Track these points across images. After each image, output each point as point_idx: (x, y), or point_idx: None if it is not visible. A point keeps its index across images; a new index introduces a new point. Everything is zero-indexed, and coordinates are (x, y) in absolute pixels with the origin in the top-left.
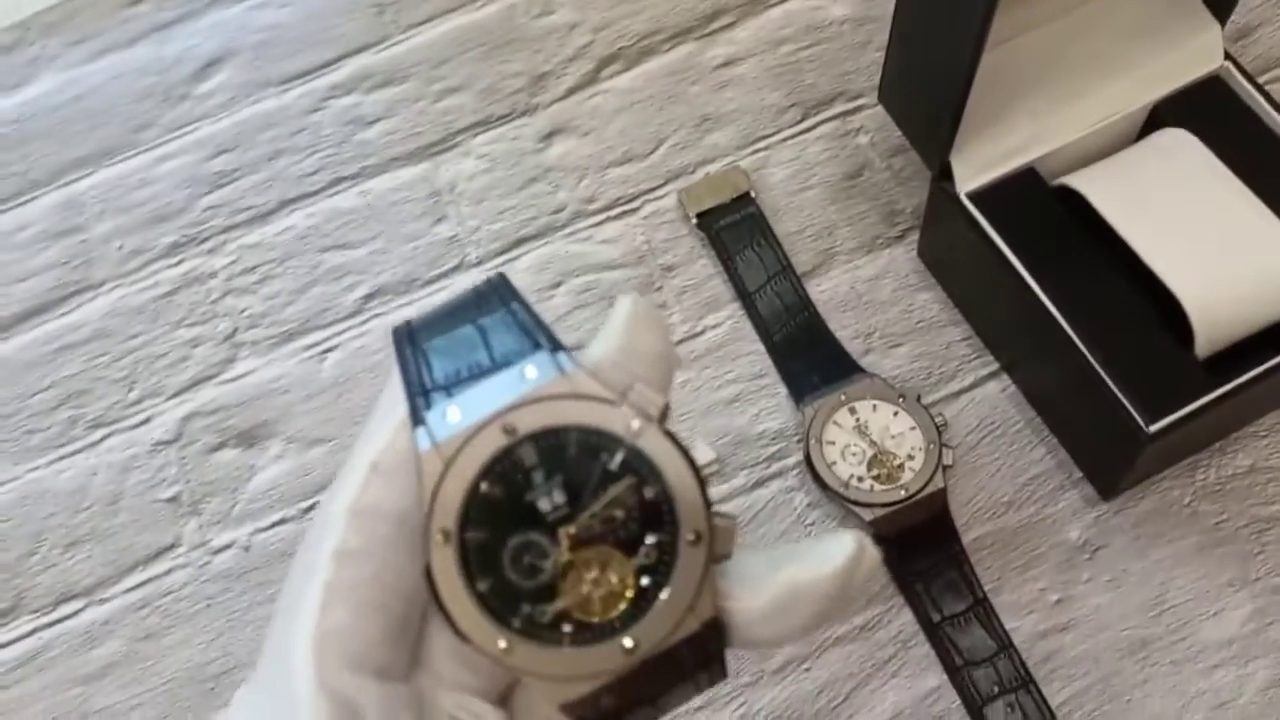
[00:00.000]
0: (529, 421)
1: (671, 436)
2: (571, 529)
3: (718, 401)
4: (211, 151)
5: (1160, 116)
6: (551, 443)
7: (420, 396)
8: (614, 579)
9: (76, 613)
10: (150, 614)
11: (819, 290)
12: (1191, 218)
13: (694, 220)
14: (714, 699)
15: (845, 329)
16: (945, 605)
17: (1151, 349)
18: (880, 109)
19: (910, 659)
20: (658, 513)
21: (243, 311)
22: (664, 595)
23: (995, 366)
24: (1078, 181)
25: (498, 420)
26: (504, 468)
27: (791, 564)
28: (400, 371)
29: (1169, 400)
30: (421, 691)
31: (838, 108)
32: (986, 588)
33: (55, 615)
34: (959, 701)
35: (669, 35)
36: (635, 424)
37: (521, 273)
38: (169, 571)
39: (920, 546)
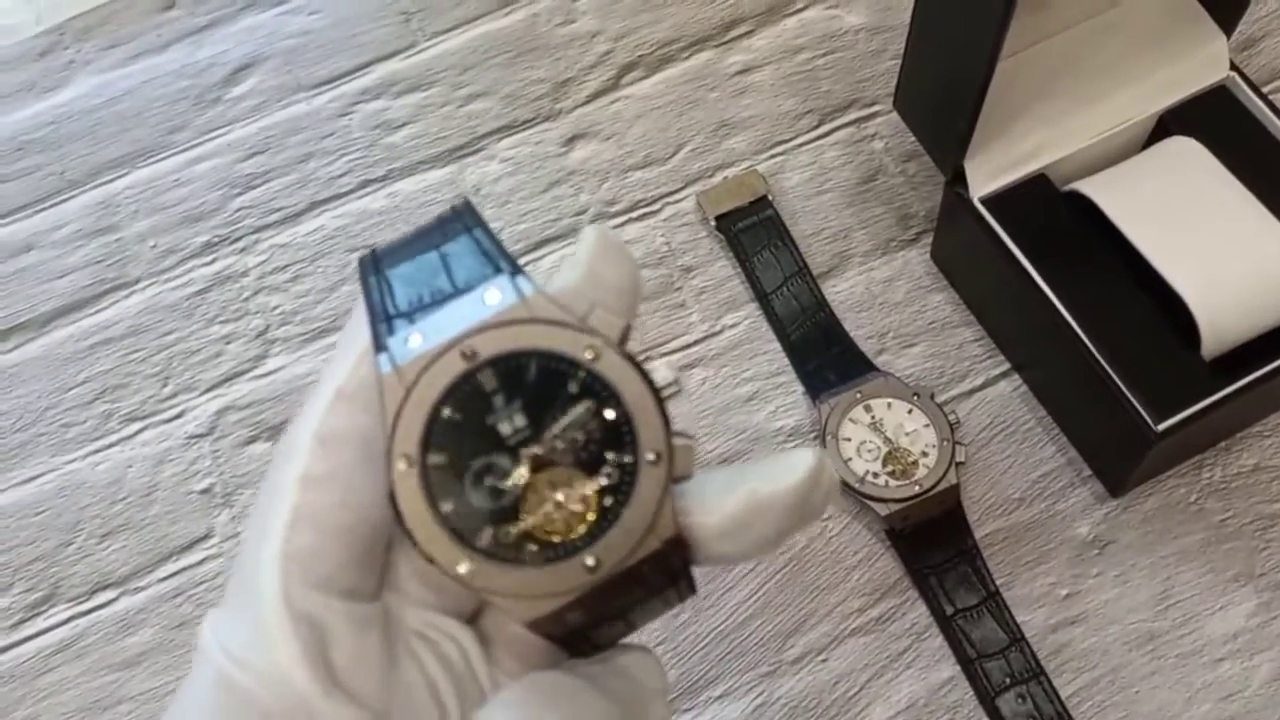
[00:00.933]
0: (489, 346)
1: (630, 359)
2: (533, 451)
3: (736, 399)
4: (243, 154)
5: (1168, 125)
6: (511, 366)
7: (383, 323)
8: (576, 499)
9: (111, 601)
10: (183, 603)
11: (834, 291)
12: (1198, 223)
13: (713, 223)
14: (734, 688)
15: (860, 329)
16: (958, 599)
17: (1159, 350)
18: (894, 115)
19: (924, 651)
20: (618, 434)
21: (274, 309)
22: (625, 514)
23: (1006, 366)
24: (1088, 187)
25: (457, 345)
26: (464, 392)
27: (751, 479)
28: (364, 299)
29: (1176, 400)
30: (389, 611)
31: (853, 114)
32: (998, 582)
33: (91, 604)
34: (972, 692)
35: (688, 43)
36: (594, 347)
37: (546, 272)
38: (202, 561)
39: (934, 541)
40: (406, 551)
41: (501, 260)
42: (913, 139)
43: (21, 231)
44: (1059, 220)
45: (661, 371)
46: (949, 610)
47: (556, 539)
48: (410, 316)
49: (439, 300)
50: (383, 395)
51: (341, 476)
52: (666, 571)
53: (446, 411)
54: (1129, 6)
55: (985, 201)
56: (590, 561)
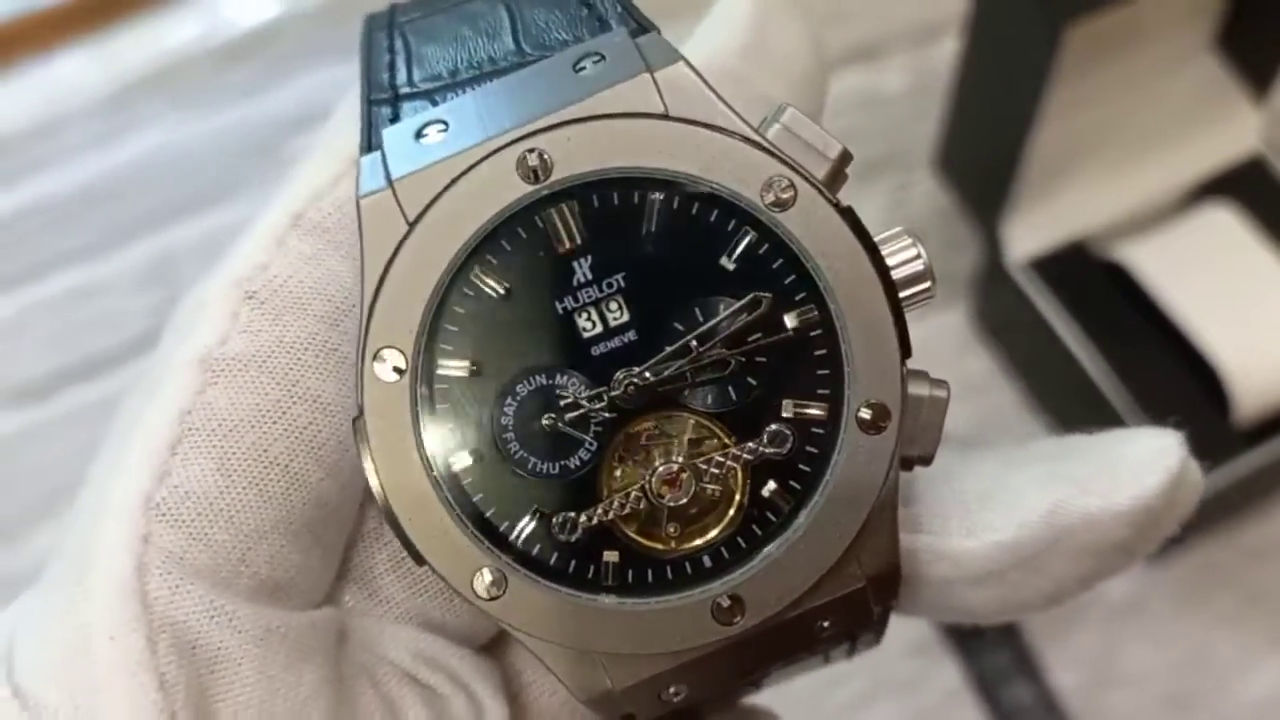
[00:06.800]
0: (573, 156)
1: (848, 214)
2: (638, 375)
3: None
4: None
5: (1204, 192)
6: (616, 204)
7: (384, 104)
8: (710, 478)
9: None
10: None
11: None
12: (1232, 292)
13: None
14: None
15: None
16: (992, 660)
17: (1193, 416)
18: (932, 177)
19: (958, 713)
20: (807, 359)
21: None
22: (803, 519)
23: (1044, 427)
24: (1124, 256)
25: (515, 146)
26: (518, 243)
27: (1060, 485)
28: (361, 66)
29: (1208, 464)
30: (347, 628)
31: (892, 175)
32: (1033, 644)
33: None
34: None
35: None
36: (782, 183)
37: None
38: None
39: None
40: (386, 529)
41: (611, 7)
42: (950, 200)
43: (84, 276)
44: (1096, 287)
45: (905, 249)
46: (983, 672)
47: (665, 547)
48: (431, 96)
49: (486, 72)
50: (362, 232)
51: (275, 371)
52: (856, 619)
53: (480, 277)
54: (1165, 78)
55: (1023, 268)
56: (725, 601)
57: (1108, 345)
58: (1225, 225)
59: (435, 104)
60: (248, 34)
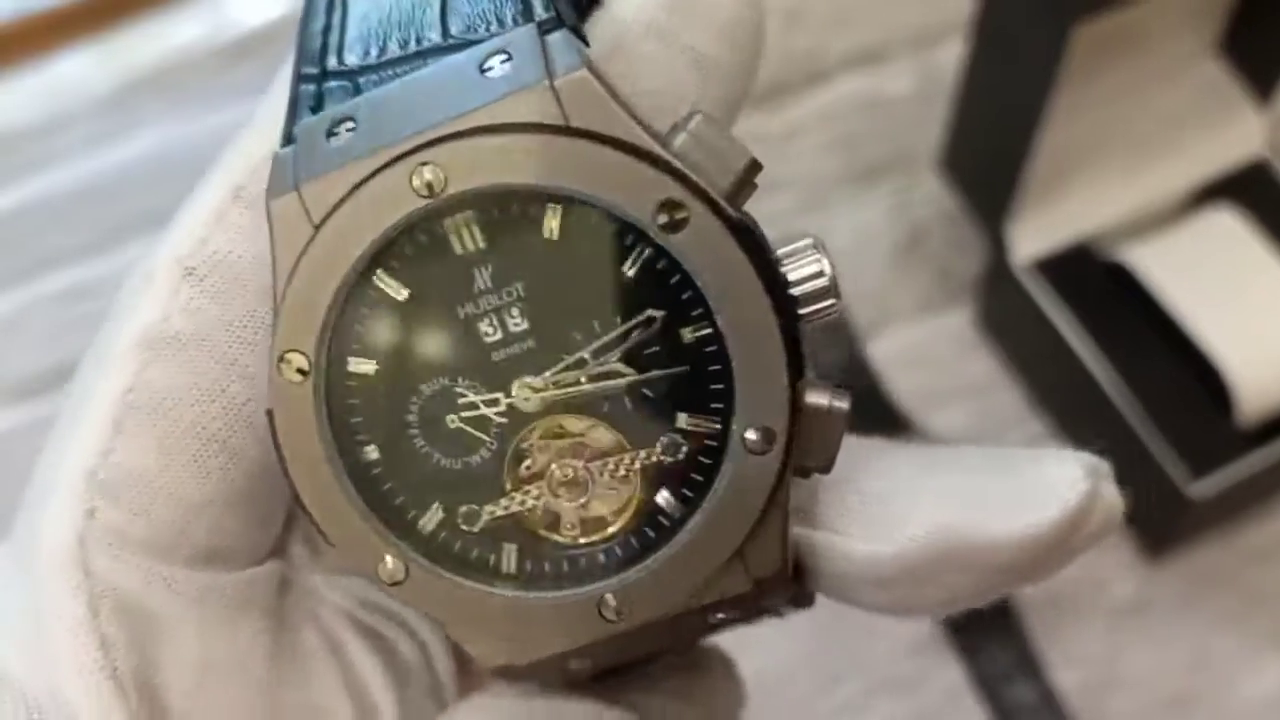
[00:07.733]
0: (468, 170)
1: (743, 232)
2: (537, 382)
3: None
4: None
5: (1207, 196)
6: (513, 216)
7: (311, 81)
8: (605, 479)
9: None
10: None
11: (876, 350)
12: (1236, 294)
13: None
14: None
15: (901, 388)
16: (995, 659)
17: (1196, 417)
18: (937, 179)
19: (959, 713)
20: (699, 378)
21: None
22: (693, 524)
23: (1046, 427)
24: (1129, 258)
25: (410, 158)
26: (420, 249)
27: (955, 500)
28: (299, 24)
29: (1211, 465)
30: (292, 580)
31: (896, 177)
32: (1035, 642)
33: None
34: None
35: None
36: (674, 204)
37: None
38: None
39: None
40: None
41: None
42: (955, 202)
43: (83, 274)
44: (1101, 289)
45: (808, 263)
46: (985, 671)
47: (558, 539)
48: (355, 78)
49: (410, 53)
50: (272, 236)
51: (214, 345)
52: (750, 612)
53: (383, 281)
54: (1170, 82)
55: (1028, 269)
56: (611, 600)
57: (1111, 346)
58: (1229, 228)
59: (358, 90)
60: (252, 33)
